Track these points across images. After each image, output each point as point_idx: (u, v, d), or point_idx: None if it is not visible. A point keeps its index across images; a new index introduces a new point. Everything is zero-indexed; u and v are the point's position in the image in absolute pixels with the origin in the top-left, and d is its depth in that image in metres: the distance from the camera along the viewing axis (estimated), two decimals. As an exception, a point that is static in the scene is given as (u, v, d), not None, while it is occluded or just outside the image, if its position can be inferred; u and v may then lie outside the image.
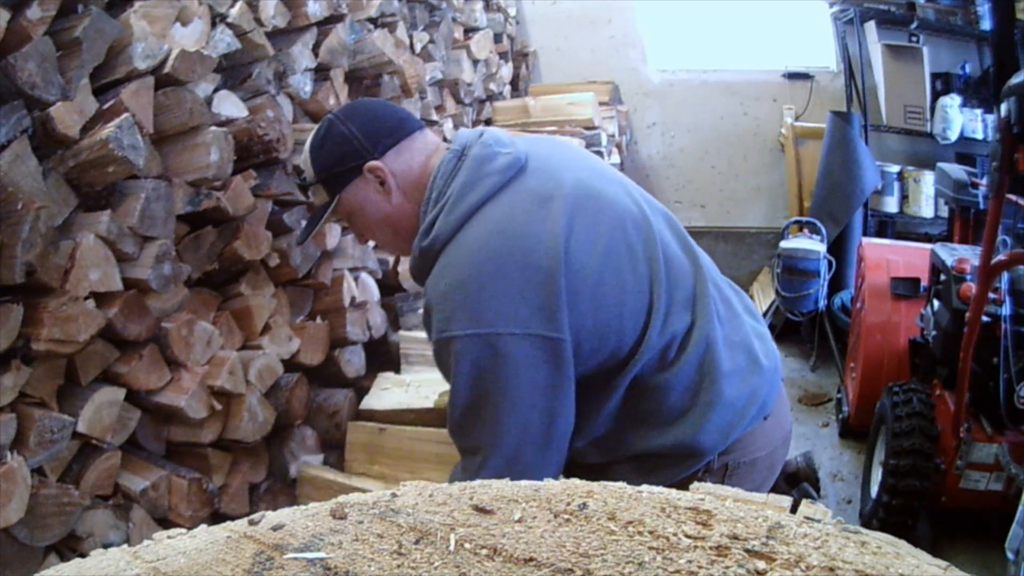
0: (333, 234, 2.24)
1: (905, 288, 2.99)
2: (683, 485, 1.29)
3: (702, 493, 0.55)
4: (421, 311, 1.27)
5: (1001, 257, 2.18)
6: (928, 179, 3.97)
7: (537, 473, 1.16)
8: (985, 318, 2.25)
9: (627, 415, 1.26)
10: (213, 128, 1.70)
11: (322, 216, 1.38)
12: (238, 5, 1.81)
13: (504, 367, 1.14)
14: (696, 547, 0.48)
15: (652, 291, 1.23)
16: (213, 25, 1.76)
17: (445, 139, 1.28)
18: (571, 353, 1.17)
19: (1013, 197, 2.28)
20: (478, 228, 1.18)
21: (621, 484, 0.57)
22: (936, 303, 2.62)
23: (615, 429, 1.27)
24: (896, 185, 4.11)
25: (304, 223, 1.43)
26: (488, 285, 1.14)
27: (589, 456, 1.30)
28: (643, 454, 1.26)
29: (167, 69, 1.59)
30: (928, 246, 2.84)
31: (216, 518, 1.73)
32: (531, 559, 0.47)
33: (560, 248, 1.16)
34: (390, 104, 1.41)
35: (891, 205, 4.12)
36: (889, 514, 2.46)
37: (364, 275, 2.43)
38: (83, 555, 0.54)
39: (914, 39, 4.06)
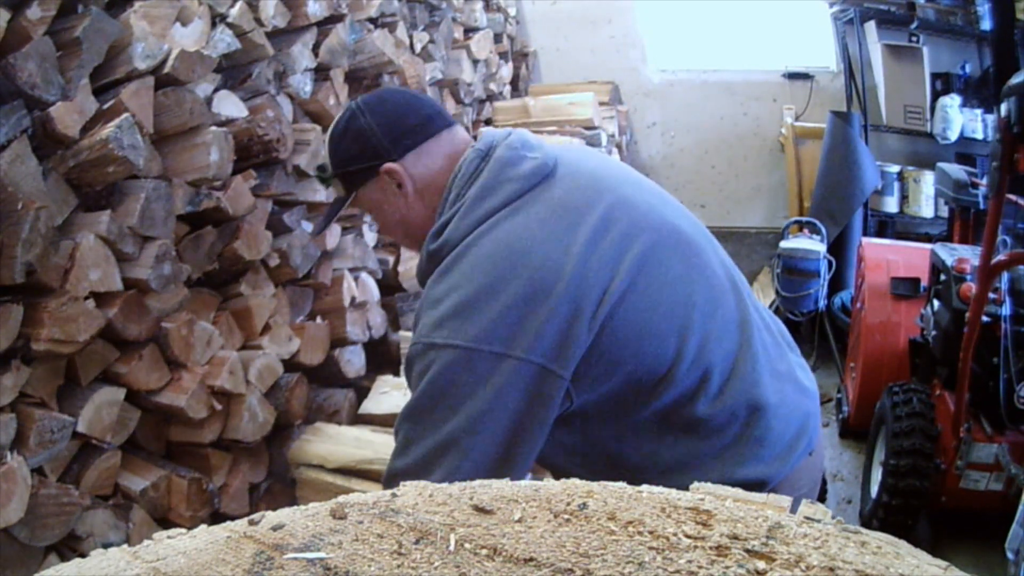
0: (333, 234, 2.24)
1: (905, 288, 2.99)
2: None
3: (702, 493, 0.55)
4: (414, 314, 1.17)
5: (1001, 257, 2.18)
6: (928, 179, 3.96)
7: None
8: (985, 318, 2.25)
9: (668, 451, 1.15)
10: (213, 128, 1.70)
11: (338, 210, 1.32)
12: (238, 5, 1.81)
13: (476, 386, 1.03)
14: (696, 547, 0.48)
15: (687, 315, 1.12)
16: (213, 25, 1.76)
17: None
18: (561, 392, 1.06)
19: (1013, 197, 2.28)
20: (488, 237, 1.10)
21: (621, 484, 0.57)
22: (936, 303, 2.62)
23: (656, 462, 1.16)
24: (896, 185, 4.11)
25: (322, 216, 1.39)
26: (484, 299, 1.05)
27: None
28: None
29: (167, 69, 1.59)
30: (928, 246, 2.84)
31: (216, 518, 1.73)
32: (531, 559, 0.47)
33: (575, 267, 1.06)
34: (420, 98, 1.31)
35: (891, 205, 4.12)
36: (889, 514, 2.46)
37: (364, 275, 2.43)
38: (83, 555, 0.54)
39: (914, 39, 4.06)
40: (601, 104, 3.92)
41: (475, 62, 3.52)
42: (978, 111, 3.92)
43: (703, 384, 1.12)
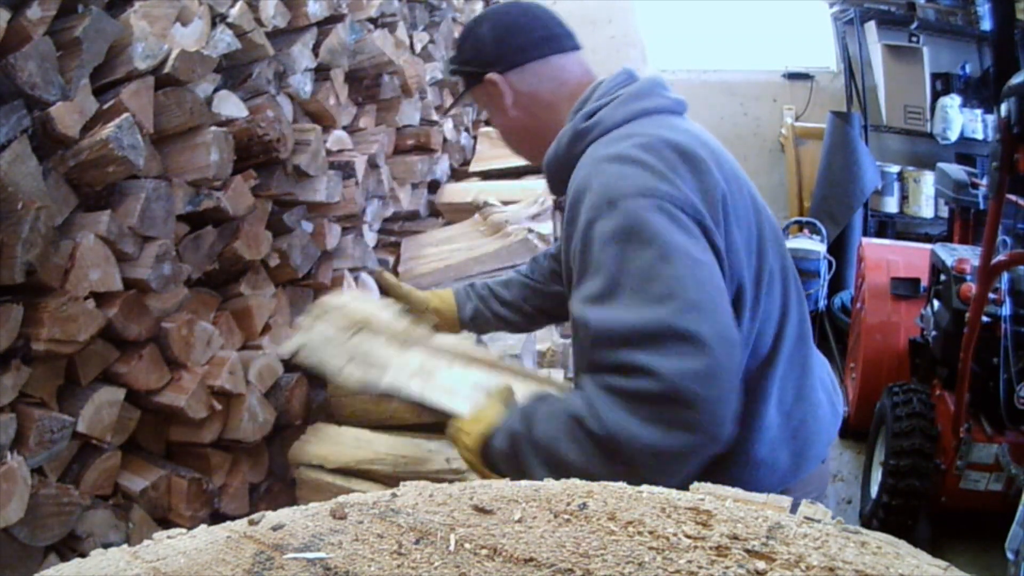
0: (333, 234, 2.24)
1: (905, 288, 2.99)
2: None
3: (702, 493, 0.55)
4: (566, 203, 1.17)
5: (1001, 257, 2.18)
6: (928, 179, 3.97)
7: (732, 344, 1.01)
8: (985, 318, 2.25)
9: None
10: (213, 128, 1.70)
11: (459, 100, 1.46)
12: (238, 5, 1.80)
13: (677, 232, 1.02)
14: (696, 547, 0.48)
15: (786, 287, 1.21)
16: (213, 25, 1.76)
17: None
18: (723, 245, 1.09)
19: (1013, 197, 2.28)
20: (653, 125, 1.14)
21: (621, 484, 0.57)
22: (936, 303, 2.62)
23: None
24: (896, 185, 4.11)
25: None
26: (670, 169, 1.06)
27: None
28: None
29: (167, 69, 1.59)
30: (928, 246, 2.84)
31: (216, 518, 1.73)
32: (531, 559, 0.47)
33: (722, 182, 1.12)
34: (539, 18, 1.33)
35: (891, 205, 4.13)
36: (889, 514, 2.46)
37: (364, 275, 2.43)
38: (83, 555, 0.54)
39: (914, 39, 4.07)
40: (601, 104, 3.92)
41: (475, 62, 3.52)
42: (978, 111, 3.93)
43: (774, 353, 1.18)
